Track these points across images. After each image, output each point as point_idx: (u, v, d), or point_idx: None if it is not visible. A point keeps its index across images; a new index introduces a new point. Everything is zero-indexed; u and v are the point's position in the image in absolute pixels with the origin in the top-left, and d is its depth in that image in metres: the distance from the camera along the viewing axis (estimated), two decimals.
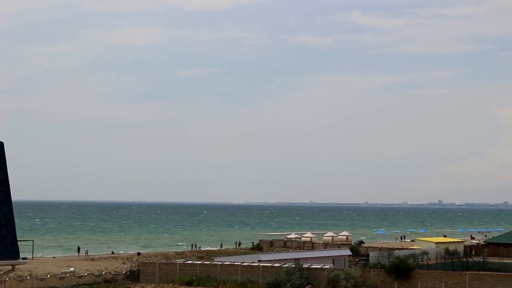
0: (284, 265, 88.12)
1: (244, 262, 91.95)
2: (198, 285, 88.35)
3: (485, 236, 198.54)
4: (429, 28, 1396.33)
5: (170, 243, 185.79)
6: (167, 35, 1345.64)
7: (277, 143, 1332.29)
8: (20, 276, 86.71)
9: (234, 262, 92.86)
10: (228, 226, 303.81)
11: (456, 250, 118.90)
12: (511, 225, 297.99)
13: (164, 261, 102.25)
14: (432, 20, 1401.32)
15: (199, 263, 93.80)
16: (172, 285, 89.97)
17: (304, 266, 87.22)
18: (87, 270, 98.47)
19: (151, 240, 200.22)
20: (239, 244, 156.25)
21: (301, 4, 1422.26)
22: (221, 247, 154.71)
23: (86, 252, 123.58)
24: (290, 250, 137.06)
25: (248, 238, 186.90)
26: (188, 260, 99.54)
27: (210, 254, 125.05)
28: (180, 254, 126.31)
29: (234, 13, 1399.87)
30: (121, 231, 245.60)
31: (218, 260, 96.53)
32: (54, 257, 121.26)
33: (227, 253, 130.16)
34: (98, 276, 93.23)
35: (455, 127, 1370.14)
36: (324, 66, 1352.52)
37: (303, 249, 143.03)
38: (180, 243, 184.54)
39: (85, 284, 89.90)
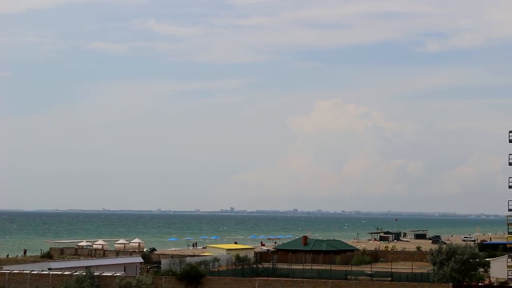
0: (74, 273, 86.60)
1: (33, 271, 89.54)
2: None
3: (275, 242, 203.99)
4: (223, 37, 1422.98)
5: None
6: None
7: (70, 150, 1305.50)
8: None
9: (23, 270, 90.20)
10: (17, 234, 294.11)
11: (246, 256, 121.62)
12: (300, 232, 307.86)
13: None
14: (226, 29, 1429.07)
15: None
16: None
17: (95, 274, 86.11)
18: None
19: None
20: (25, 252, 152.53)
21: (97, 10, 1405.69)
22: (7, 256, 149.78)
23: None
24: (81, 258, 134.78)
25: (39, 246, 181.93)
26: None
27: None
28: None
29: (28, 17, 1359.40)
30: None
31: (6, 269, 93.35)
32: None
33: (16, 261, 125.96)
34: None
35: (247, 136, 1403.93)
36: (119, 72, 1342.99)
37: (95, 256, 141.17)
38: None
39: None
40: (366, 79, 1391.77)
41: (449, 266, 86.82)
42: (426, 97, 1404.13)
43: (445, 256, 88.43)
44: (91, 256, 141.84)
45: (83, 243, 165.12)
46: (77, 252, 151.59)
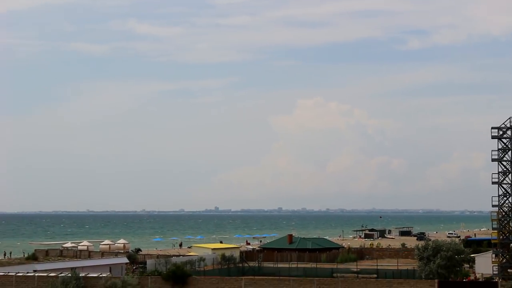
0: (60, 275, 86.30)
1: (18, 273, 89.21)
2: None
3: (260, 241, 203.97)
4: (204, 37, 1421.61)
5: None
6: None
7: (52, 152, 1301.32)
8: None
9: (8, 272, 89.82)
10: (2, 236, 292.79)
11: (232, 255, 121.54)
12: (285, 230, 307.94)
13: None
14: (208, 29, 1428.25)
15: None
16: None
17: (81, 275, 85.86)
18: None
19: None
20: (5, 254, 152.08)
21: (77, 11, 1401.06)
22: (5, 255, 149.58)
23: None
24: (67, 259, 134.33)
25: (22, 248, 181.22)
26: None
27: None
28: None
29: (7, 19, 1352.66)
30: None
31: None
32: None
33: (0, 263, 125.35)
34: None
35: (230, 135, 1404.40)
36: (100, 73, 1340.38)
37: (80, 257, 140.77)
38: None
39: None
40: (347, 77, 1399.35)
41: (436, 262, 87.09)
42: (408, 94, 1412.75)
43: (431, 252, 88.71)
44: (77, 258, 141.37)
45: (68, 245, 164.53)
46: (62, 254, 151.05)
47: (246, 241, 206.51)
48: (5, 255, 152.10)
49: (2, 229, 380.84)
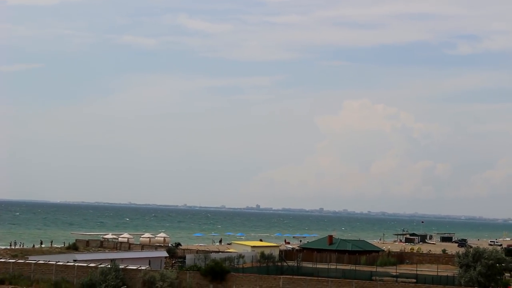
0: (99, 266, 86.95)
1: (59, 262, 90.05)
2: (10, 283, 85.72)
3: (300, 241, 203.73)
4: (254, 34, 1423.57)
5: None
6: None
7: (99, 143, 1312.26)
8: None
9: (49, 261, 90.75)
10: (45, 225, 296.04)
11: (271, 254, 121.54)
12: (325, 231, 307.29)
13: None
14: (258, 26, 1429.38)
15: (12, 262, 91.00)
16: None
17: (120, 266, 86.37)
18: None
19: None
20: (42, 243, 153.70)
21: (128, 4, 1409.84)
22: (41, 244, 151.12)
23: None
24: (107, 251, 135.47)
25: (64, 237, 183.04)
26: (1, 258, 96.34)
27: (25, 253, 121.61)
28: None
29: (60, 9, 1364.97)
30: None
31: (32, 259, 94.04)
32: None
33: (41, 252, 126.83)
34: None
35: (275, 133, 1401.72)
36: (149, 67, 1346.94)
37: (120, 249, 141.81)
38: None
39: None
40: (396, 79, 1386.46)
41: (476, 269, 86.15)
42: (456, 99, 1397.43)
43: (472, 259, 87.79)
44: (117, 249, 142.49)
45: (109, 236, 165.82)
46: (103, 245, 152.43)
47: (285, 240, 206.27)
48: (41, 243, 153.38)
49: (49, 217, 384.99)
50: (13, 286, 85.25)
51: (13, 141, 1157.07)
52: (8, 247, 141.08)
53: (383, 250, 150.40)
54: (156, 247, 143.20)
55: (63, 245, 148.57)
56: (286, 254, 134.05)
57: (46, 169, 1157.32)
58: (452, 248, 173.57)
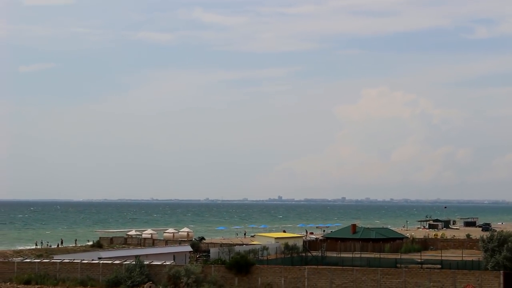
0: (124, 262, 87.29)
1: (84, 260, 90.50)
2: (37, 283, 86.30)
3: (323, 231, 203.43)
4: (269, 26, 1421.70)
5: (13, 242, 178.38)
6: (5, 29, 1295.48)
7: (117, 140, 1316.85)
8: None
9: (74, 259, 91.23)
10: (71, 224, 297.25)
11: (295, 245, 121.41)
12: (348, 220, 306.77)
13: (0, 259, 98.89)
14: (272, 18, 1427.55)
15: (38, 261, 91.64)
16: (9, 284, 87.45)
17: (144, 262, 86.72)
18: None
19: None
20: (62, 242, 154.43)
21: (142, 0, 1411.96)
22: (61, 243, 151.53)
23: None
24: (131, 247, 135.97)
25: (88, 235, 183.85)
26: (26, 259, 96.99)
27: (50, 252, 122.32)
28: (18, 253, 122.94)
29: (75, 8, 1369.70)
30: None
31: (57, 258, 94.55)
32: None
33: (66, 250, 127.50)
34: None
35: (294, 124, 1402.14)
36: (165, 62, 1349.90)
37: (144, 245, 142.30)
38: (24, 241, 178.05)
39: None
40: (413, 66, 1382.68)
41: (502, 254, 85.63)
42: (474, 83, 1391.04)
43: (496, 243, 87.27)
44: (141, 245, 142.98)
45: (133, 233, 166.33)
46: (127, 242, 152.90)
47: (306, 231, 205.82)
48: (62, 242, 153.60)
49: (73, 217, 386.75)
50: (39, 286, 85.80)
51: (36, 142, 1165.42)
52: (33, 247, 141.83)
53: (407, 237, 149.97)
54: (180, 242, 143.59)
55: (87, 243, 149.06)
56: (310, 245, 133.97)
57: (70, 170, 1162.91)
58: (476, 233, 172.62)
